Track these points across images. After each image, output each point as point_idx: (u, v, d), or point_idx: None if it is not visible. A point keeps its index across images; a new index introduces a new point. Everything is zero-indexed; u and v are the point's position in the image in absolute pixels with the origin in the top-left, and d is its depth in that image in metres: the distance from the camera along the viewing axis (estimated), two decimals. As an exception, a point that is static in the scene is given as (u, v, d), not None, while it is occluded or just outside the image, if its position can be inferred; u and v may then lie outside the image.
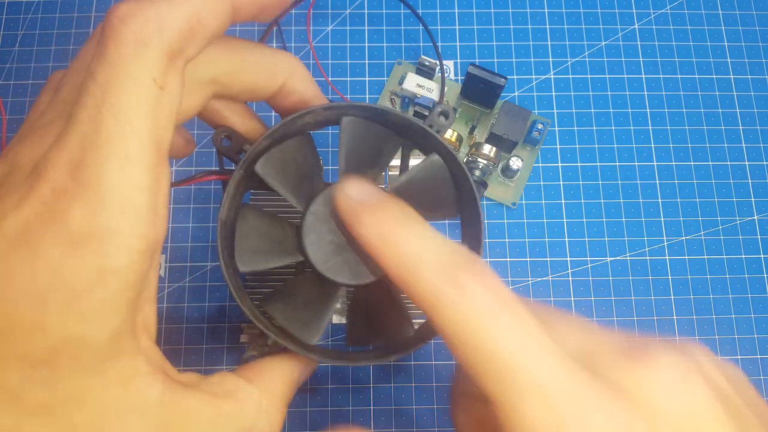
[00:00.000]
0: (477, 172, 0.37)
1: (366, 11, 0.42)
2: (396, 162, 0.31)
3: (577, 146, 0.40)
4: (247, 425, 0.20)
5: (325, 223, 0.24)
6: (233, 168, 0.24)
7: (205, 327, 0.37)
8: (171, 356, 0.26)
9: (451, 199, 0.26)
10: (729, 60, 0.42)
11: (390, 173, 0.36)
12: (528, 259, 0.38)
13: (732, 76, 0.42)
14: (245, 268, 0.24)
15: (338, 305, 0.31)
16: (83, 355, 0.17)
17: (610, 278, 0.38)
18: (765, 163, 0.40)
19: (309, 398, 0.36)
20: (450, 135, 0.37)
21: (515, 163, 0.38)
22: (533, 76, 0.41)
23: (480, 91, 0.38)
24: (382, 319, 0.26)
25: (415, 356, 0.37)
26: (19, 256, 0.16)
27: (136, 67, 0.16)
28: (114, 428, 0.17)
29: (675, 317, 0.38)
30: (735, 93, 0.41)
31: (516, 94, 0.41)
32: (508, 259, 0.38)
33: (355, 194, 0.19)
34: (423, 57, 0.39)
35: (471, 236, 0.26)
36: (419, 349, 0.25)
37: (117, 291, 0.17)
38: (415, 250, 0.18)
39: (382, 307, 0.26)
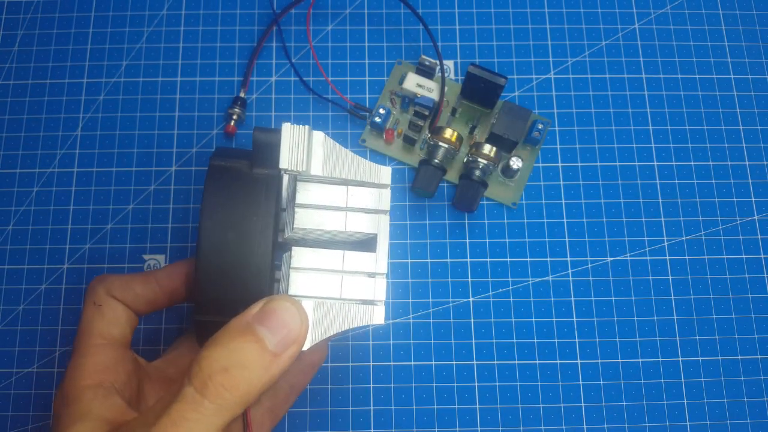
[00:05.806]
0: (477, 172, 0.37)
1: (366, 11, 0.42)
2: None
3: (578, 146, 0.40)
4: None
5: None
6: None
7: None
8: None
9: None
10: (729, 60, 0.42)
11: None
12: (528, 259, 0.38)
13: (732, 76, 0.41)
14: None
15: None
16: None
17: (611, 278, 0.38)
18: (765, 162, 0.40)
19: (309, 398, 0.36)
20: (450, 135, 0.37)
21: (515, 163, 0.38)
22: (533, 76, 0.41)
23: (480, 90, 0.38)
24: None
25: (415, 356, 0.37)
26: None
27: (92, 293, 0.29)
28: None
29: (675, 317, 0.38)
30: (735, 93, 0.41)
31: (516, 93, 0.41)
32: (508, 259, 0.38)
33: None
34: (423, 57, 0.39)
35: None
36: None
37: None
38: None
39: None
